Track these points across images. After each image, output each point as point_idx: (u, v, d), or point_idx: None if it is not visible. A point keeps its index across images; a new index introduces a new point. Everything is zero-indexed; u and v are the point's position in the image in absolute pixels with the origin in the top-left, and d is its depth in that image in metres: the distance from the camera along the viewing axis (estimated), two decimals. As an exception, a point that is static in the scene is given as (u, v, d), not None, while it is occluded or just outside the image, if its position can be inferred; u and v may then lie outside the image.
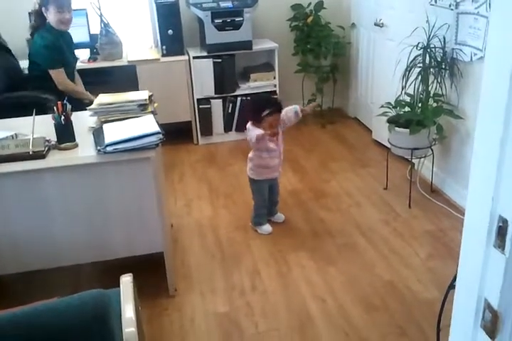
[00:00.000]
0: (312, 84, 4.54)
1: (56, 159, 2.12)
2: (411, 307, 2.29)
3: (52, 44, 3.21)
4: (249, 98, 4.14)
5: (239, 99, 4.21)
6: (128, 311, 1.54)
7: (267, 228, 2.93)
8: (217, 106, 4.19)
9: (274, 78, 4.22)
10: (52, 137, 2.20)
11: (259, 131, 2.63)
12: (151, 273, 2.48)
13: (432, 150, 3.12)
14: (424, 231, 2.88)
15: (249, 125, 2.72)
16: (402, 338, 2.12)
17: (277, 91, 4.23)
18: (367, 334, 2.15)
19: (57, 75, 3.26)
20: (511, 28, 0.75)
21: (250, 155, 2.83)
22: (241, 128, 4.30)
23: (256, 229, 2.95)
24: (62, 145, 2.18)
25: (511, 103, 0.76)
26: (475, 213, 0.87)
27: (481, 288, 0.87)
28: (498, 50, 0.79)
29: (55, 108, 2.19)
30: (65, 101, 2.21)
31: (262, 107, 2.66)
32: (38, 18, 3.25)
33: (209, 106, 4.18)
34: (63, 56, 3.31)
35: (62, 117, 2.16)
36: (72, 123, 2.21)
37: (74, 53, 3.55)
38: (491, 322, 0.85)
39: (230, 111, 4.23)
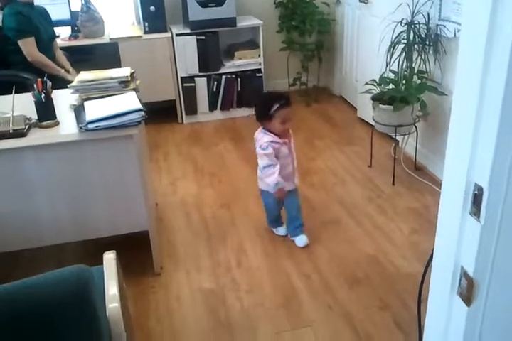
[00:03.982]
0: (297, 62, 4.50)
1: (37, 137, 2.10)
2: (394, 281, 2.33)
3: (18, 13, 3.10)
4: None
5: (224, 77, 4.17)
6: (111, 287, 1.54)
7: (281, 230, 2.74)
8: (201, 84, 4.15)
9: (259, 56, 4.18)
10: (33, 115, 2.17)
11: (268, 138, 2.45)
12: (137, 251, 2.48)
13: (415, 127, 3.13)
14: (407, 207, 2.91)
15: (257, 133, 2.53)
16: (385, 311, 2.16)
17: (262, 69, 4.19)
18: (350, 308, 2.18)
19: (26, 45, 3.12)
20: (483, 6, 0.74)
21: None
22: (226, 106, 4.29)
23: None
24: (43, 123, 2.16)
25: (486, 76, 0.77)
26: (451, 181, 0.87)
27: (458, 256, 0.88)
28: (472, 27, 0.79)
29: (35, 85, 2.15)
30: (45, 79, 2.17)
31: (271, 103, 2.45)
32: None
33: (193, 84, 4.14)
34: (32, 26, 3.18)
35: (43, 95, 2.13)
36: (52, 101, 2.18)
37: (52, 28, 3.45)
38: (467, 289, 0.87)
39: (214, 89, 4.20)
